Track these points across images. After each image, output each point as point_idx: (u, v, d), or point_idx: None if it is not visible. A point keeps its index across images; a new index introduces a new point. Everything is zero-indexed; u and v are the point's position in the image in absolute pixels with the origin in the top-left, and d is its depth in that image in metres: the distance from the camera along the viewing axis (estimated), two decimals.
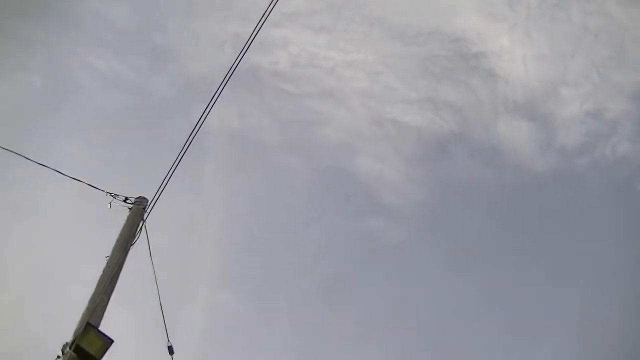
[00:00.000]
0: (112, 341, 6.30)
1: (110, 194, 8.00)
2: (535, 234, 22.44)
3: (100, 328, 6.52)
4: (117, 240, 7.41)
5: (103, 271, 7.07)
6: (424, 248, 22.58)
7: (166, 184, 7.59)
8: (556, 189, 22.17)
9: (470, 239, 22.38)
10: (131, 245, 7.44)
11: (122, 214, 7.84)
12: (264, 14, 7.14)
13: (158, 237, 7.84)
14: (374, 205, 22.39)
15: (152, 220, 7.91)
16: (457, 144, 22.47)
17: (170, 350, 7.15)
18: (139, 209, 7.84)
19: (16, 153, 8.56)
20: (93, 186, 8.12)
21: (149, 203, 7.87)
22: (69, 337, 6.47)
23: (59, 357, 6.43)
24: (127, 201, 7.98)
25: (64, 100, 19.65)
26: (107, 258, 7.23)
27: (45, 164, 8.36)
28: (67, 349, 6.31)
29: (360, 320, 20.73)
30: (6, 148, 8.63)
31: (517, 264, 22.28)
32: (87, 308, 6.70)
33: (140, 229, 7.67)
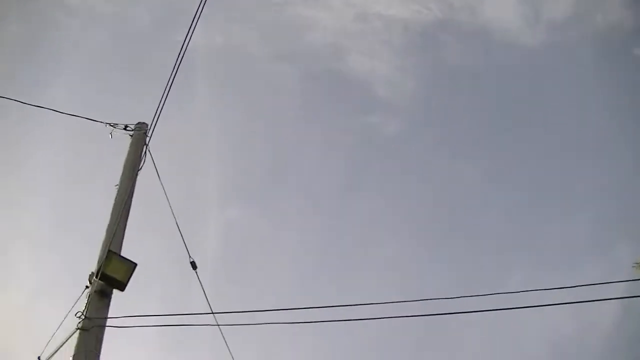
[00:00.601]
0: (135, 265, 6.42)
1: (110, 124, 8.00)
2: (532, 112, 22.34)
3: (122, 254, 6.65)
4: (124, 167, 7.44)
5: (115, 199, 7.14)
6: (423, 137, 22.52)
7: (162, 107, 7.53)
8: (549, 64, 21.87)
9: (467, 123, 22.29)
10: (138, 170, 7.48)
11: (124, 142, 7.86)
12: None
13: (162, 161, 7.86)
14: (369, 101, 22.17)
15: (155, 145, 7.93)
16: (444, 30, 22.01)
17: (193, 265, 7.32)
18: (140, 134, 7.84)
19: (8, 98, 8.49)
20: (91, 119, 8.10)
21: (149, 127, 7.87)
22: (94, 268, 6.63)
23: (87, 287, 6.59)
24: (128, 129, 7.99)
25: (44, 43, 19.19)
26: (117, 186, 7.28)
27: (40, 105, 8.32)
28: (94, 278, 6.46)
29: (369, 214, 20.93)
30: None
31: (517, 143, 22.28)
32: (106, 237, 6.81)
33: (145, 153, 7.70)
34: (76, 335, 6.09)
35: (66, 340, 6.30)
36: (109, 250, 6.48)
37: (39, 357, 6.66)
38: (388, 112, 21.87)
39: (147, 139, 7.76)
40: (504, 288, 6.02)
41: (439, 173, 21.88)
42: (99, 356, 5.98)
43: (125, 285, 6.40)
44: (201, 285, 7.17)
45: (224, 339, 7.06)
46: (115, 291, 6.49)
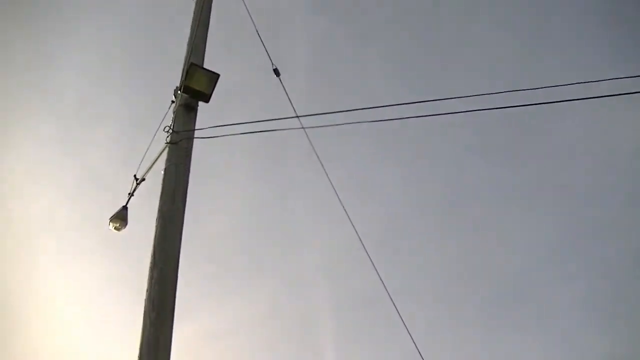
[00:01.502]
0: (218, 75, 6.17)
1: None
2: None
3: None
4: None
5: (194, 12, 6.86)
6: None
7: None
8: None
9: None
10: None
11: None
12: None
13: None
14: None
15: None
16: None
17: (276, 72, 7.04)
18: None
19: None
20: None
21: None
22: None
23: (173, 102, 6.50)
24: None
25: None
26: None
27: None
28: (179, 92, 6.33)
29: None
30: None
31: None
32: (187, 50, 6.60)
33: None
34: (166, 150, 6.07)
35: (158, 156, 6.30)
36: (191, 63, 6.26)
37: (135, 176, 6.75)
38: None
39: None
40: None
41: None
42: (188, 168, 5.95)
43: (209, 96, 6.22)
44: (284, 91, 6.88)
45: (310, 142, 6.81)
46: (203, 106, 6.35)
